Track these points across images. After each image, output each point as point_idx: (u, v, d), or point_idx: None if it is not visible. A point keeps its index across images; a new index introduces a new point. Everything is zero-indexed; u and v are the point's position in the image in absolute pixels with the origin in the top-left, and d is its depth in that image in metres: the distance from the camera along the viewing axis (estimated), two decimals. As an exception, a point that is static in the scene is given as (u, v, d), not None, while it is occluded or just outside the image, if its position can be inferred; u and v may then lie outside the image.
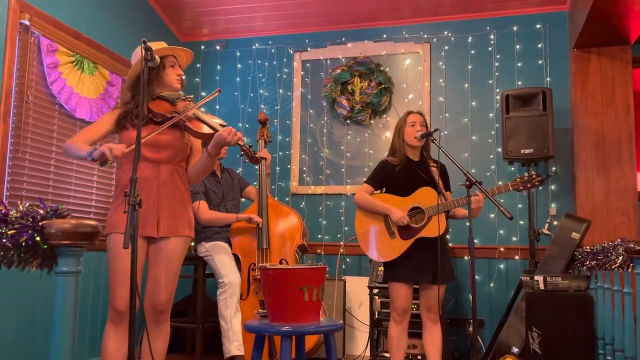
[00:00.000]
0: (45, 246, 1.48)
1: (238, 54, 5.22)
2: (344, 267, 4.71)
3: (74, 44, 3.82)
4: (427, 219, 3.09)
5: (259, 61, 5.17)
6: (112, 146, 2.30)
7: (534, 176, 3.08)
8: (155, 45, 2.57)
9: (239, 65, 5.20)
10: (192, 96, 2.71)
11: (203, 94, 5.20)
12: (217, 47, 5.27)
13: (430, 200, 3.10)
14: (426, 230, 3.09)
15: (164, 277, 2.49)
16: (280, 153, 5.00)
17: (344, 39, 4.99)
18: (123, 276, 2.34)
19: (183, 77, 2.73)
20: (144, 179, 2.46)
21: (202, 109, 2.70)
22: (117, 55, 4.25)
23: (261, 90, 5.13)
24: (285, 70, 5.11)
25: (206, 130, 2.55)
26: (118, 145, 2.35)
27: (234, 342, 3.55)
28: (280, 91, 5.09)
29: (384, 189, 3.29)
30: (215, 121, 2.62)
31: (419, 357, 4.00)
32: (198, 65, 5.25)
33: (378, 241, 3.17)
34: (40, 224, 1.48)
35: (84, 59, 3.90)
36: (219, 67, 5.24)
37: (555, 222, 4.27)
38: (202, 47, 5.28)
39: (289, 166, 4.98)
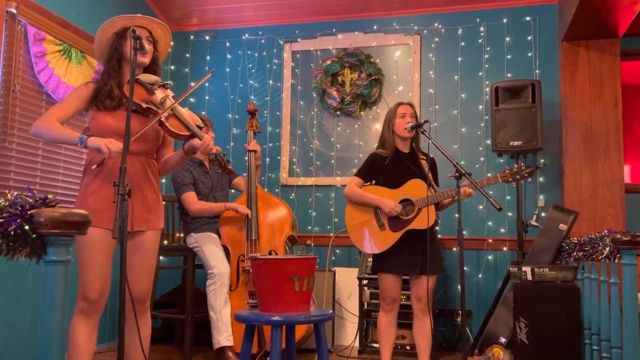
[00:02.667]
0: (34, 235, 1.47)
1: (228, 44, 5.19)
2: (333, 258, 4.73)
3: (62, 33, 3.78)
4: (417, 210, 3.11)
5: (249, 52, 5.14)
6: (109, 144, 2.20)
7: (523, 167, 3.10)
8: (128, 19, 2.48)
9: (229, 56, 5.17)
10: (169, 83, 2.56)
11: (192, 84, 5.17)
12: (207, 37, 5.23)
13: (420, 192, 3.12)
14: (416, 222, 3.10)
15: (141, 268, 2.47)
16: (270, 144, 4.99)
17: (334, 30, 4.98)
18: (98, 267, 2.33)
19: (148, 51, 2.48)
20: (114, 171, 2.30)
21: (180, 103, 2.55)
22: (106, 45, 4.20)
23: (251, 81, 5.11)
24: (275, 61, 5.08)
25: (184, 132, 2.44)
26: (114, 142, 2.24)
27: (224, 332, 3.55)
28: (270, 82, 5.07)
29: (374, 181, 3.30)
30: (192, 120, 2.50)
31: (407, 347, 4.03)
32: (187, 55, 5.22)
33: (368, 233, 3.18)
34: (29, 212, 1.47)
35: (71, 48, 3.86)
36: (208, 57, 5.21)
37: (543, 214, 4.31)
38: (192, 37, 5.24)
39: (278, 157, 4.97)
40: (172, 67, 5.19)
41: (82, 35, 3.98)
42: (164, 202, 3.04)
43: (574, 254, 3.25)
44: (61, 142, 2.45)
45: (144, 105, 2.39)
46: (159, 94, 2.44)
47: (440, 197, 3.09)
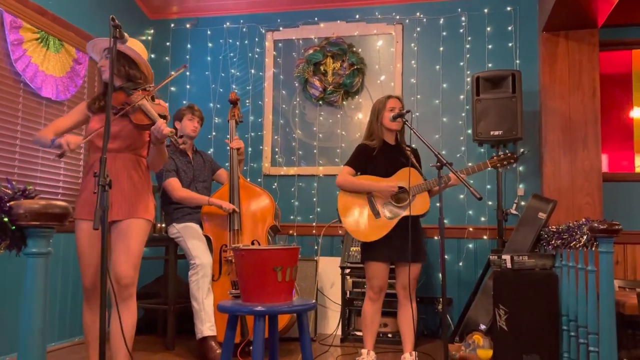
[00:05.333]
0: (14, 227, 1.45)
1: (209, 32, 5.14)
2: (316, 247, 4.74)
3: (39, 21, 3.71)
4: (412, 197, 3.15)
5: (230, 40, 5.10)
6: (69, 139, 2.50)
7: (509, 154, 3.27)
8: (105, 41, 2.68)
9: (210, 44, 5.13)
10: (152, 85, 2.76)
11: (173, 73, 5.11)
12: (188, 25, 5.17)
13: (413, 180, 3.17)
14: (410, 209, 3.14)
15: (122, 253, 2.59)
16: (252, 134, 4.97)
17: (316, 18, 4.96)
18: (87, 256, 2.61)
19: (103, 67, 2.71)
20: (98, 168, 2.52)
21: (155, 96, 2.75)
22: (84, 32, 4.14)
23: (232, 70, 5.07)
24: (257, 49, 5.05)
25: (145, 122, 2.61)
26: (75, 137, 2.55)
27: (206, 322, 3.55)
28: (252, 71, 5.04)
29: (360, 172, 3.32)
30: (157, 110, 2.65)
31: (389, 335, 4.07)
32: (168, 43, 5.16)
33: (364, 222, 3.20)
34: (8, 204, 1.45)
35: (49, 35, 3.79)
36: (189, 45, 5.15)
37: (522, 203, 4.36)
38: (172, 25, 5.19)
39: (261, 147, 4.95)
40: (153, 56, 5.13)
41: (60, 22, 3.91)
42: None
43: (553, 242, 3.30)
44: (44, 147, 2.75)
45: (118, 107, 2.58)
46: (136, 95, 2.63)
47: (432, 184, 3.15)
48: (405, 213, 3.14)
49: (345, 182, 3.26)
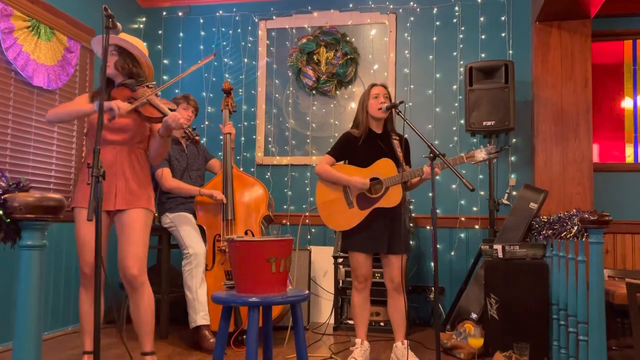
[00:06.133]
0: (8, 220, 1.45)
1: (201, 21, 5.11)
2: (309, 237, 4.76)
3: (30, 9, 3.68)
4: (385, 189, 3.14)
5: (223, 29, 5.08)
6: (119, 104, 2.59)
7: (490, 148, 3.09)
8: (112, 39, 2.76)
9: (203, 33, 5.10)
10: (154, 82, 2.90)
11: (165, 61, 5.09)
12: (180, 14, 5.14)
13: (388, 171, 3.15)
14: (383, 200, 3.14)
15: (127, 244, 2.73)
16: (246, 123, 4.96)
17: (309, 7, 4.94)
18: (87, 243, 2.69)
19: (108, 64, 2.79)
20: (104, 160, 2.71)
21: (159, 94, 2.89)
22: (75, 20, 4.11)
23: (225, 59, 5.05)
24: (250, 38, 5.03)
25: (156, 115, 2.74)
26: (123, 103, 2.63)
27: (200, 312, 3.56)
28: (245, 60, 5.03)
29: (347, 160, 3.33)
30: (165, 105, 2.80)
31: (382, 324, 4.11)
32: (160, 32, 5.13)
33: (337, 211, 3.21)
34: (2, 197, 1.45)
35: (40, 24, 3.76)
36: (181, 34, 5.12)
37: (514, 193, 4.39)
38: (164, 13, 5.15)
39: (254, 136, 4.95)
40: (145, 45, 5.08)
41: (51, 10, 3.87)
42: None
43: (544, 232, 3.33)
44: (78, 116, 2.83)
45: (126, 101, 2.68)
46: (140, 90, 2.77)
47: (407, 176, 3.12)
48: (376, 205, 3.15)
49: (322, 171, 3.27)
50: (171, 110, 2.77)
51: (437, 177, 3.28)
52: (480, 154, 3.07)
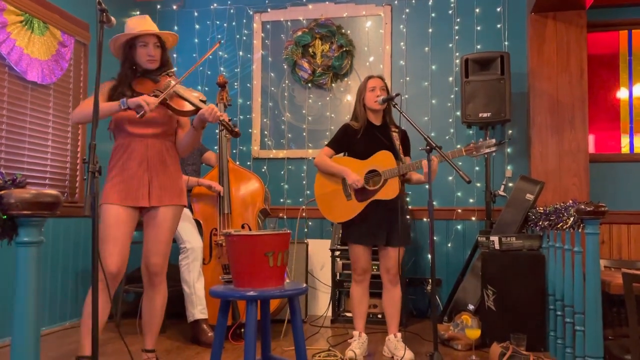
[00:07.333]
0: (5, 216, 1.44)
1: (196, 14, 5.08)
2: (306, 230, 4.76)
3: (23, 3, 3.65)
4: (383, 181, 3.15)
5: (218, 22, 5.05)
6: (147, 99, 2.49)
7: (488, 142, 3.08)
8: (137, 23, 2.73)
9: (197, 26, 5.07)
10: (174, 70, 2.80)
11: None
12: (174, 7, 5.11)
13: (387, 164, 3.15)
14: (381, 192, 3.14)
15: (155, 243, 2.71)
16: (241, 117, 4.95)
17: (304, 0, 4.92)
18: (114, 244, 2.57)
19: (154, 58, 2.74)
20: (134, 155, 2.65)
21: (182, 84, 2.75)
22: (69, 15, 4.08)
23: (220, 52, 5.03)
24: (245, 31, 5.01)
25: (187, 107, 2.65)
26: (150, 98, 2.53)
27: (198, 306, 3.57)
28: (240, 53, 5.00)
29: (346, 152, 3.33)
30: (195, 96, 2.70)
31: (379, 316, 4.12)
32: (154, 25, 5.09)
33: (335, 203, 3.22)
34: (-2, 194, 1.44)
35: (33, 18, 3.73)
36: (176, 27, 5.09)
37: (510, 184, 4.40)
38: (158, 6, 5.12)
39: (250, 130, 4.94)
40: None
41: (44, 5, 3.84)
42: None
43: (540, 223, 3.34)
44: (104, 115, 2.58)
45: (152, 94, 2.59)
46: (163, 80, 2.70)
47: (406, 168, 3.13)
48: (374, 197, 3.16)
49: (321, 163, 3.28)
50: (201, 101, 2.68)
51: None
52: (480, 148, 3.07)
